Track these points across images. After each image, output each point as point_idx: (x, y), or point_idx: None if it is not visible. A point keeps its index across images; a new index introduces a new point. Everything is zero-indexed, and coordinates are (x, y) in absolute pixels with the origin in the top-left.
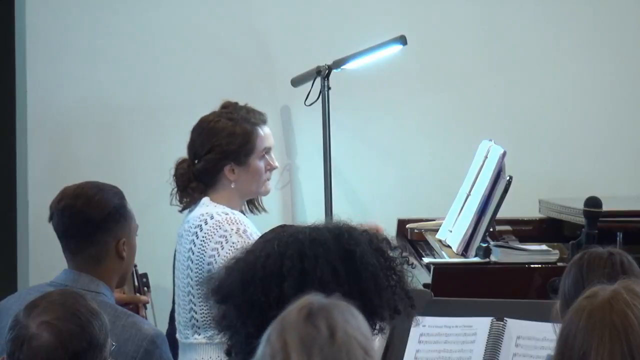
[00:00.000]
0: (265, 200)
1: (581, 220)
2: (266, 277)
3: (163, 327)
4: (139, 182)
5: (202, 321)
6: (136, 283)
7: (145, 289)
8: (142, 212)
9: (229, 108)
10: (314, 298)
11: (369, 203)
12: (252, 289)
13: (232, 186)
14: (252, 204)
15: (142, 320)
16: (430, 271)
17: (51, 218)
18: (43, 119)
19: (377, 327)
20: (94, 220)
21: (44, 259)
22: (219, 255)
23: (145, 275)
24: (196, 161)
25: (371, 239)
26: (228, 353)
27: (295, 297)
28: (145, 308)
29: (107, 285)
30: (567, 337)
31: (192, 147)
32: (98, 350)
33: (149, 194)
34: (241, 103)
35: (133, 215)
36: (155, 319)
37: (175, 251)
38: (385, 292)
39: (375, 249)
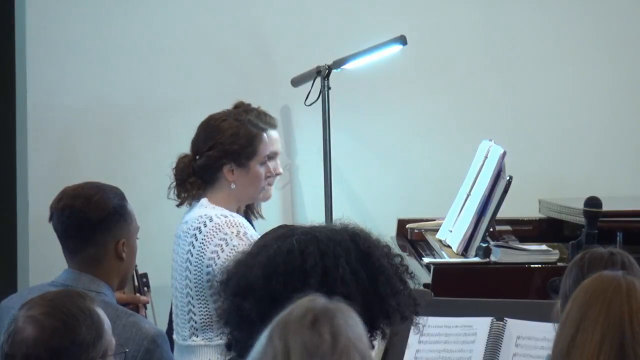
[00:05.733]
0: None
1: (581, 220)
2: (288, 273)
3: (163, 327)
4: (139, 183)
5: (201, 323)
6: (136, 283)
7: (145, 289)
8: (143, 213)
9: (240, 108)
10: (317, 301)
11: (369, 203)
12: (275, 284)
13: (232, 187)
14: (250, 210)
15: (142, 320)
16: (430, 271)
17: (51, 218)
18: (43, 119)
19: (384, 331)
20: (92, 221)
21: (44, 259)
22: (219, 258)
23: (145, 275)
24: (197, 157)
25: (380, 243)
26: (229, 347)
27: (320, 294)
28: (145, 308)
29: (107, 284)
30: None
31: (195, 142)
32: (83, 349)
33: (149, 195)
34: (251, 104)
35: (134, 216)
36: (155, 319)
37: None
38: (398, 296)
39: (385, 254)
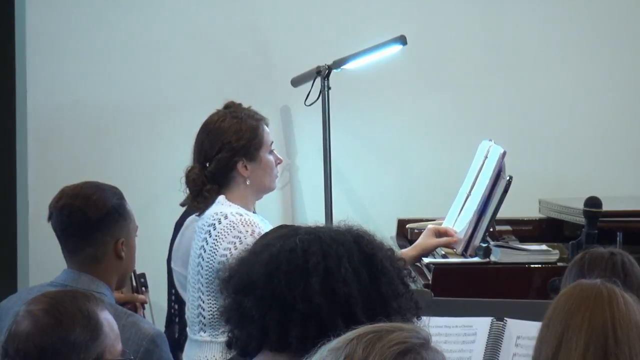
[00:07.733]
0: (265, 200)
1: (581, 220)
2: (290, 271)
3: (161, 327)
4: (138, 183)
5: (209, 318)
6: (134, 283)
7: (143, 288)
8: (141, 212)
9: (232, 107)
10: (411, 337)
11: (369, 203)
12: (277, 282)
13: (247, 183)
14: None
15: (142, 320)
16: (430, 271)
17: (50, 217)
18: (43, 119)
19: None
20: (91, 220)
21: (44, 259)
22: (231, 255)
23: (143, 275)
24: (207, 164)
25: (384, 246)
26: (229, 345)
27: (322, 294)
28: (144, 308)
29: (107, 284)
30: None
31: (200, 150)
32: (74, 349)
33: (148, 194)
34: (242, 103)
35: (133, 216)
36: (154, 319)
37: (170, 250)
38: (400, 298)
39: (389, 257)
